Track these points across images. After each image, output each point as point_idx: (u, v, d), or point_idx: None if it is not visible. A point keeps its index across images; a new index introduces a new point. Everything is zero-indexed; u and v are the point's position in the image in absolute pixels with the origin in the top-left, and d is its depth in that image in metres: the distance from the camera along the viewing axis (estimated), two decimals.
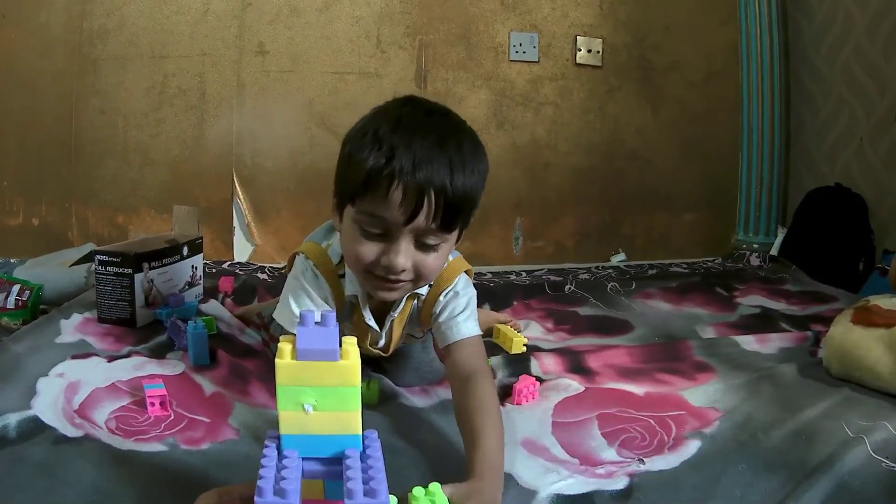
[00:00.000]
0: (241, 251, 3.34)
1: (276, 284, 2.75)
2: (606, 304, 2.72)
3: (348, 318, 1.67)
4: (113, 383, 1.75)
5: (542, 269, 3.41)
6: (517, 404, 1.73)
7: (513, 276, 3.21)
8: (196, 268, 2.51)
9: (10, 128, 3.26)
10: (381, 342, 1.72)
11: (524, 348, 2.10)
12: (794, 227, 3.56)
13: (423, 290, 1.65)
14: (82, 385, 1.73)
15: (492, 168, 3.26)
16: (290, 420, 0.99)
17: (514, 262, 3.56)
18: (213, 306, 2.37)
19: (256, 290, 2.68)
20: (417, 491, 1.12)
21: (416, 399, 1.75)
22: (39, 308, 2.40)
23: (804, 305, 2.75)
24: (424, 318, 1.70)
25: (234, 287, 2.71)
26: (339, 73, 3.30)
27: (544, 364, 2.00)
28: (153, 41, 3.25)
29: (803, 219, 3.50)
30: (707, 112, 3.78)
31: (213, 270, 2.98)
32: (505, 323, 2.27)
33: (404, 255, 1.41)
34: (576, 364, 2.00)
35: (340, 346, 1.00)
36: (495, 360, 1.97)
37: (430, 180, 1.35)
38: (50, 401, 1.64)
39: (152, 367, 1.88)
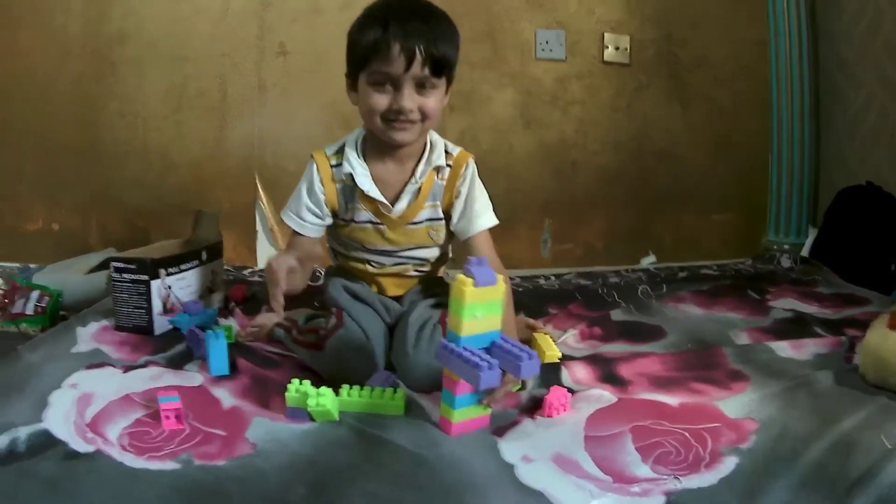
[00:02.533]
0: (265, 256, 3.26)
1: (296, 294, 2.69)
2: (638, 308, 2.64)
3: (354, 200, 2.00)
4: (127, 395, 1.70)
5: (570, 273, 3.31)
6: (548, 416, 1.67)
7: (541, 280, 3.13)
8: (217, 273, 2.45)
9: (28, 132, 3.22)
10: (398, 206, 1.99)
11: (558, 361, 2.03)
12: (825, 228, 3.47)
13: (443, 161, 1.99)
14: (96, 397, 1.68)
15: (520, 168, 3.38)
16: (470, 326, 1.51)
17: (542, 266, 3.49)
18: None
19: (264, 304, 2.51)
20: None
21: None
22: (59, 314, 2.38)
23: (837, 308, 2.67)
24: (448, 198, 2.02)
25: (245, 295, 2.63)
26: None
27: (575, 373, 1.94)
28: (172, 43, 3.21)
29: (834, 218, 3.41)
30: (736, 109, 3.71)
31: (231, 277, 2.90)
32: (535, 329, 2.23)
33: (409, 98, 1.82)
34: (607, 373, 1.94)
35: None
36: None
37: (418, 39, 1.77)
38: (62, 414, 1.59)
39: (169, 377, 1.83)
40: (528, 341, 2.14)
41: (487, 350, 1.53)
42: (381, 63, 1.79)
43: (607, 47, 3.49)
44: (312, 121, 3.29)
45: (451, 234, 2.08)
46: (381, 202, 1.96)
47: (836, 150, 3.63)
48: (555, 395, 1.69)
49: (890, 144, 3.24)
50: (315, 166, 1.99)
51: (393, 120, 1.85)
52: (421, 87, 1.84)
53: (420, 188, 1.99)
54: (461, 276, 1.51)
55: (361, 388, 1.70)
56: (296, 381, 1.63)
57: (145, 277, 2.13)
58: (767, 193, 3.77)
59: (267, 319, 2.20)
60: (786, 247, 3.64)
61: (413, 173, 1.97)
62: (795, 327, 2.42)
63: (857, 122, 3.46)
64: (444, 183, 2.01)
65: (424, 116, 1.87)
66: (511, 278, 2.90)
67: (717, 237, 3.76)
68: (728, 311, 2.63)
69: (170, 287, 2.21)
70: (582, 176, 3.58)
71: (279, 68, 3.26)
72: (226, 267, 2.81)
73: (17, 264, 3.11)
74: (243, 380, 1.82)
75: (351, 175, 1.95)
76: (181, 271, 2.27)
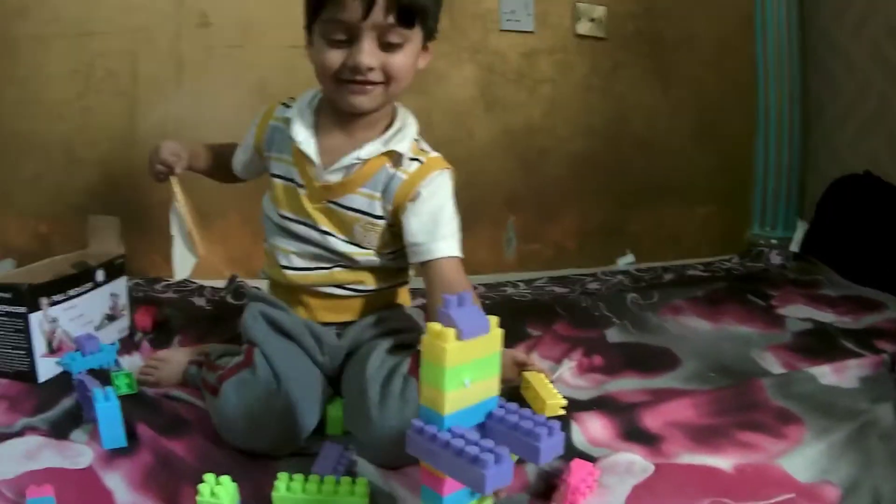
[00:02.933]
0: (183, 265, 2.82)
1: (216, 315, 2.28)
2: (634, 324, 2.33)
3: (282, 149, 1.69)
4: None
5: (541, 278, 3.02)
6: None
7: (509, 289, 2.83)
8: (118, 296, 2.01)
9: None
10: (326, 174, 1.61)
11: (562, 411, 1.64)
12: (818, 221, 3.27)
13: (406, 149, 1.61)
14: None
15: (480, 158, 3.25)
16: (454, 399, 1.04)
17: (506, 269, 3.17)
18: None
19: (178, 332, 2.17)
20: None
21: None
22: None
23: (855, 315, 2.47)
24: (400, 197, 1.60)
25: (155, 321, 2.21)
26: (296, 46, 2.72)
27: (589, 430, 1.55)
28: (78, 16, 2.78)
29: (828, 211, 3.23)
30: (720, 92, 3.42)
31: (140, 294, 2.49)
32: (525, 366, 1.83)
33: (368, 54, 1.47)
34: (630, 426, 1.58)
35: None
36: None
37: None
38: None
39: (49, 454, 1.40)
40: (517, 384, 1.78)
41: (482, 427, 1.10)
42: (335, 8, 1.46)
43: (580, 18, 3.14)
44: (238, 105, 2.85)
45: (391, 246, 1.68)
46: (310, 158, 1.60)
47: (826, 138, 3.42)
48: (578, 474, 1.26)
49: (889, 133, 3.05)
50: (262, 110, 1.78)
51: (348, 81, 1.51)
52: (386, 40, 1.49)
53: (361, 169, 1.61)
54: (436, 328, 1.03)
55: (307, 479, 1.25)
56: (211, 478, 1.20)
57: (22, 309, 1.68)
58: (752, 184, 3.55)
59: (176, 355, 1.82)
60: (773, 241, 3.46)
61: (361, 144, 1.61)
62: (820, 342, 2.21)
63: (850, 109, 3.26)
64: (406, 177, 1.60)
65: (389, 78, 1.53)
66: (474, 286, 2.58)
67: (698, 232, 3.50)
68: (738, 324, 2.40)
69: (55, 320, 1.77)
70: (551, 166, 3.21)
71: (200, 43, 2.85)
72: (135, 281, 2.39)
73: None
74: (144, 456, 1.40)
75: (289, 120, 1.65)
76: (69, 298, 1.83)
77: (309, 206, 1.63)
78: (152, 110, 2.83)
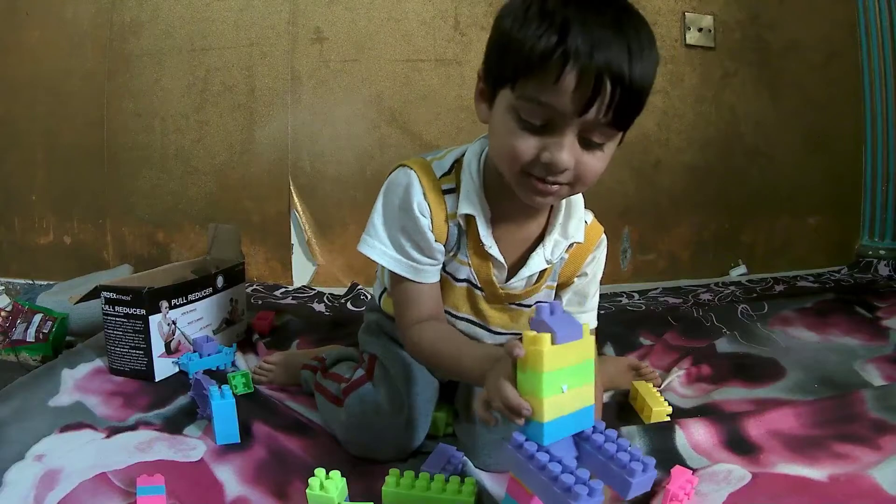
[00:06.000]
0: (302, 272, 2.94)
1: (335, 321, 2.32)
2: (743, 335, 2.30)
3: (460, 248, 1.45)
4: (103, 473, 1.31)
5: (655, 288, 3.02)
6: None
7: (624, 299, 2.84)
8: (237, 301, 2.06)
9: (37, 136, 2.95)
10: (514, 281, 1.47)
11: (667, 418, 1.66)
12: None
13: (581, 236, 1.48)
14: (63, 476, 1.30)
15: None
16: (553, 406, 1.03)
17: (622, 280, 3.17)
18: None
19: (297, 336, 2.22)
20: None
21: None
22: (65, 341, 2.07)
23: None
24: (565, 276, 1.53)
25: (272, 325, 2.26)
26: (411, 60, 2.89)
27: (693, 436, 1.53)
28: (192, 32, 2.89)
29: None
30: (828, 100, 3.37)
31: (259, 302, 2.55)
32: (639, 369, 1.90)
33: (569, 152, 1.22)
34: (734, 434, 1.56)
35: None
36: (629, 431, 1.52)
37: (608, 65, 1.14)
38: (16, 500, 1.22)
39: (162, 447, 1.44)
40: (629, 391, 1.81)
41: (578, 450, 1.09)
42: (543, 89, 1.17)
43: (689, 28, 3.12)
44: (355, 117, 2.95)
45: None
46: (498, 262, 1.44)
47: None
48: (677, 481, 1.26)
49: None
50: (418, 189, 1.40)
51: (537, 177, 1.26)
52: (588, 137, 1.22)
53: (546, 269, 1.48)
54: (531, 334, 1.02)
55: (417, 476, 1.26)
56: (320, 471, 1.22)
57: (142, 312, 1.74)
58: (861, 193, 3.49)
59: (290, 359, 1.84)
60: (882, 252, 3.40)
61: (540, 241, 1.45)
62: None
63: None
64: (567, 257, 1.50)
65: (577, 180, 1.27)
66: None
67: (810, 242, 3.46)
68: (844, 336, 2.38)
69: (174, 322, 1.82)
70: (664, 177, 3.20)
71: (315, 57, 2.92)
72: (255, 286, 2.50)
73: (29, 281, 2.87)
74: (257, 452, 1.44)
75: (472, 219, 1.41)
76: (189, 302, 1.87)
77: (486, 307, 1.52)
78: (270, 123, 2.91)
